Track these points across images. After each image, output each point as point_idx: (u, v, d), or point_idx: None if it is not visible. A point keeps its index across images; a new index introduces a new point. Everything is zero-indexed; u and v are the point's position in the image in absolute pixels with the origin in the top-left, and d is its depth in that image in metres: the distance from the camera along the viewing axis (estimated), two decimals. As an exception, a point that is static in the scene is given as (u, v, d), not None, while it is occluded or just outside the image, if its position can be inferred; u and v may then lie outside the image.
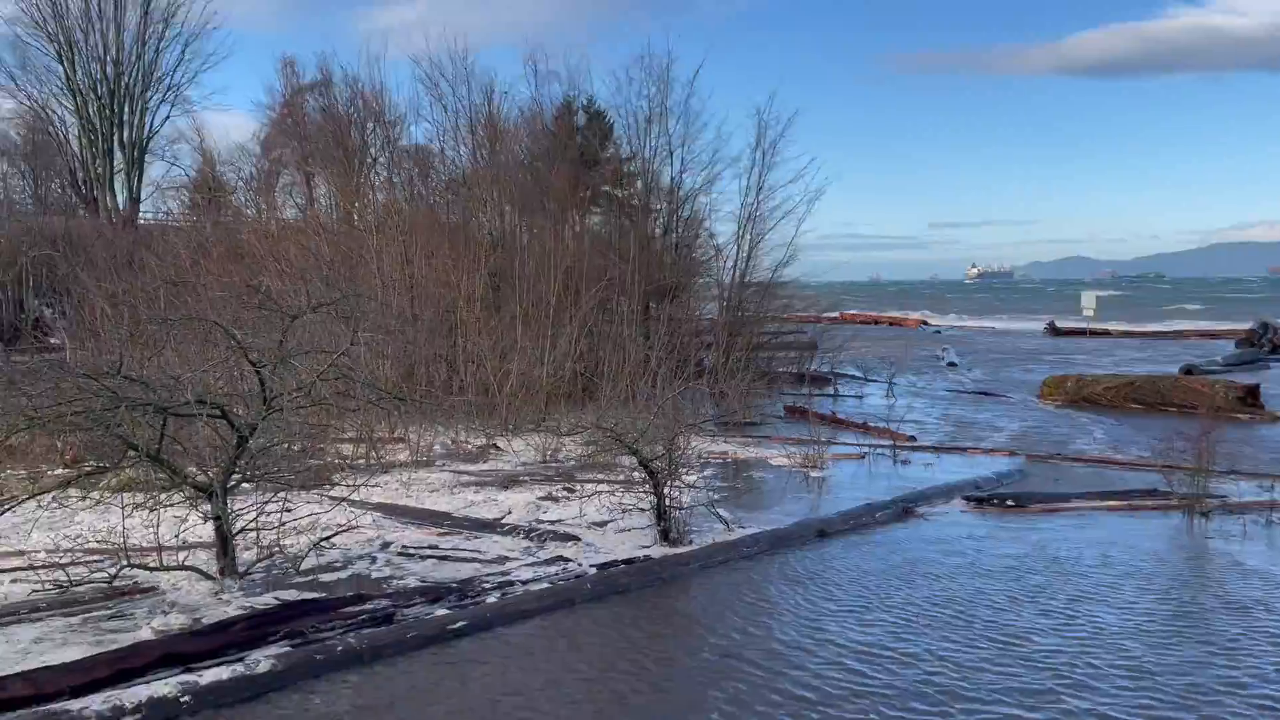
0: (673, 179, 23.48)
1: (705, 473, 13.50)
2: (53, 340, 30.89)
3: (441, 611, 7.13)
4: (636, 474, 10.27)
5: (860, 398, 23.98)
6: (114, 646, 6.23)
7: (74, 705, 5.35)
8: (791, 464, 14.49)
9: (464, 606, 7.26)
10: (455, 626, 6.93)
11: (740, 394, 19.00)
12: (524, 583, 7.84)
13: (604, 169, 26.22)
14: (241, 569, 8.26)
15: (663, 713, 5.72)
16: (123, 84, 40.79)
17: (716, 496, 11.76)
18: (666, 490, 9.94)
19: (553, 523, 10.21)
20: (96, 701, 5.40)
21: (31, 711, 5.24)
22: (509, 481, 12.81)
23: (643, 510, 10.17)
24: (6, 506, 8.23)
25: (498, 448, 15.35)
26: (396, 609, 7.07)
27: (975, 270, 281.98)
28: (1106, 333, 48.16)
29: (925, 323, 58.84)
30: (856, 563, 9.25)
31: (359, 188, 21.12)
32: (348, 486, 11.03)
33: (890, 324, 57.23)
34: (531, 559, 8.70)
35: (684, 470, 10.35)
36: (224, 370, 9.55)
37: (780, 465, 14.56)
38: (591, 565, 8.44)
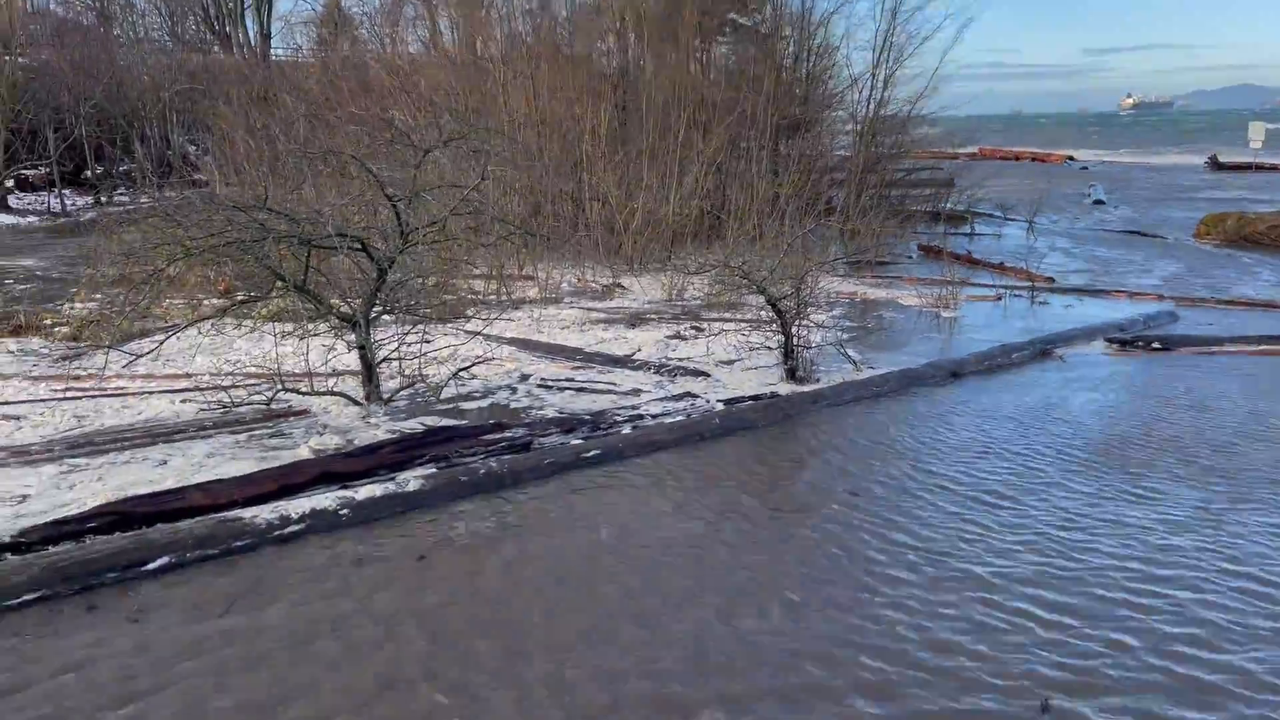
0: (804, 3, 22.19)
1: (834, 312, 13.31)
2: (199, 176, 32.18)
3: (575, 441, 7.36)
4: (764, 313, 10.18)
5: (998, 237, 23.01)
6: (277, 463, 6.68)
7: (246, 514, 5.80)
8: (923, 304, 14.14)
9: (596, 437, 7.46)
10: (588, 455, 7.14)
11: (872, 232, 18.46)
12: (654, 416, 7.99)
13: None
14: (385, 396, 8.67)
15: (781, 544, 5.82)
16: (247, -84, 40.76)
17: (845, 336, 11.62)
18: (794, 329, 9.84)
19: (681, 360, 10.29)
20: (265, 511, 5.83)
21: (209, 519, 5.70)
22: (636, 319, 12.91)
23: (770, 349, 10.13)
24: (171, 332, 8.76)
25: (623, 286, 15.43)
26: (533, 437, 7.33)
27: (1130, 101, 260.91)
28: (1275, 168, 44.32)
29: (1071, 158, 55.19)
30: (989, 404, 9.06)
31: (484, 19, 20.71)
32: (482, 320, 11.33)
33: (1033, 160, 53.93)
34: (662, 394, 8.84)
35: (812, 309, 10.21)
36: (361, 204, 9.74)
37: (912, 306, 14.23)
38: (719, 401, 8.52)
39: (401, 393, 8.78)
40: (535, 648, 4.54)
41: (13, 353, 10.57)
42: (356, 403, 8.50)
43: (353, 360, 9.01)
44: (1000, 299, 14.91)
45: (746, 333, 10.71)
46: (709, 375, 9.58)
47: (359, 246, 8.42)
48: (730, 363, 10.23)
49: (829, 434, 8.12)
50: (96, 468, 6.64)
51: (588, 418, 7.85)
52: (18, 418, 7.86)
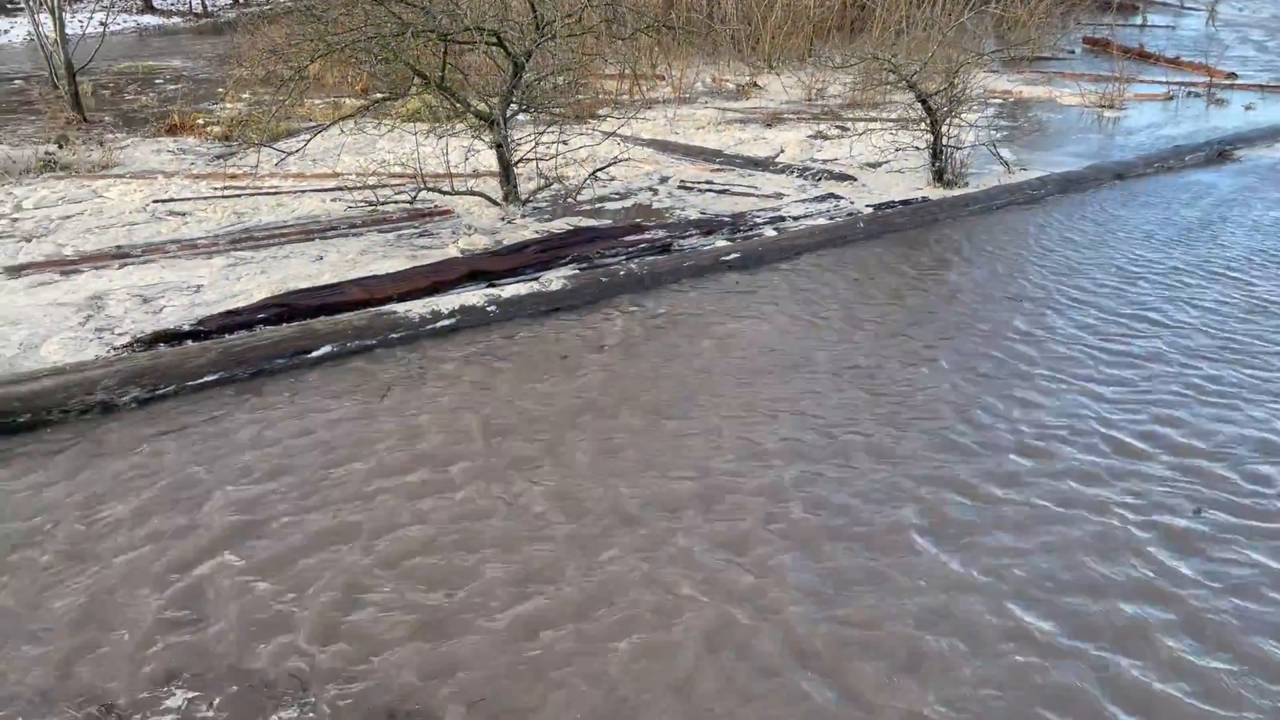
0: None
1: (986, 111, 12.52)
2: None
3: (716, 243, 7.28)
4: (911, 112, 9.64)
5: (1173, 28, 20.91)
6: (427, 261, 6.86)
7: (399, 309, 6.01)
8: (1086, 103, 13.14)
9: (737, 239, 7.36)
10: (729, 258, 7.07)
11: (1031, 24, 17.02)
12: (796, 219, 7.80)
13: None
14: (523, 197, 8.71)
15: (928, 351, 5.71)
16: None
17: (998, 136, 10.95)
18: (945, 129, 9.31)
19: (824, 161, 9.93)
20: (418, 306, 6.04)
21: (366, 312, 5.95)
22: (773, 119, 12.45)
23: (918, 150, 9.65)
24: (316, 131, 8.91)
25: (759, 85, 14.81)
26: (673, 239, 7.28)
27: None
28: None
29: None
30: (1155, 210, 8.49)
31: None
32: (616, 120, 11.11)
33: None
34: (805, 196, 8.59)
35: (964, 108, 9.60)
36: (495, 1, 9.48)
37: (1072, 105, 13.24)
38: (866, 204, 8.23)
39: (539, 193, 8.79)
40: (673, 438, 4.65)
41: (172, 151, 11.00)
42: (495, 203, 8.57)
43: (491, 160, 9.02)
44: (1172, 98, 13.70)
45: (894, 132, 10.20)
46: (854, 179, 9.22)
47: (495, 40, 8.25)
48: (875, 165, 9.81)
49: (980, 239, 7.78)
50: (259, 261, 6.96)
51: (728, 220, 7.72)
52: (184, 214, 8.25)
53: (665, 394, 5.13)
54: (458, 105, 8.50)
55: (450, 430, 4.77)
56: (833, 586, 3.61)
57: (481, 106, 8.58)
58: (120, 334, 5.69)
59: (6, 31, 22.75)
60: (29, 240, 7.53)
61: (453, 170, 9.23)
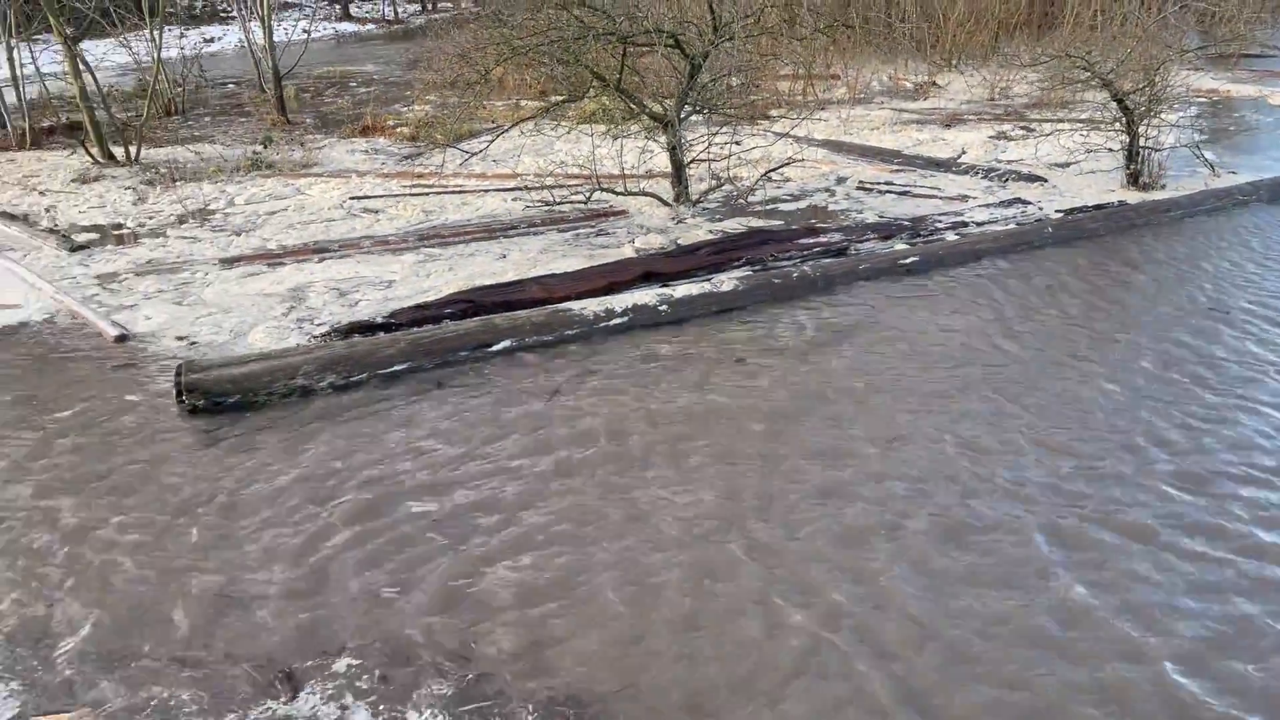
0: None
1: (1188, 112, 11.73)
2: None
3: (894, 247, 7.11)
4: (1103, 112, 9.13)
5: None
6: (603, 261, 7.00)
7: (575, 306, 6.16)
8: (1304, 103, 12.11)
9: (916, 243, 7.16)
10: (906, 262, 6.89)
11: (1240, 19, 15.82)
12: (979, 224, 7.52)
13: None
14: (694, 197, 8.75)
15: (1123, 364, 5.38)
16: None
17: (1200, 138, 10.23)
18: (1142, 129, 8.78)
19: (1010, 163, 9.54)
20: (593, 304, 6.17)
21: (544, 309, 6.12)
22: (953, 119, 12.05)
23: (1111, 151, 9.14)
24: (497, 133, 9.23)
25: (938, 84, 14.37)
26: (849, 242, 7.16)
27: None
28: None
29: None
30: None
31: None
32: (789, 121, 11.01)
33: None
34: (990, 199, 8.27)
35: (1164, 107, 9.02)
36: (673, 3, 9.59)
37: (1289, 104, 12.24)
38: (1055, 209, 7.85)
39: (711, 194, 8.81)
40: (845, 445, 4.57)
41: (365, 151, 11.64)
42: (666, 203, 8.65)
43: (664, 161, 9.11)
44: None
45: (1085, 133, 9.69)
46: (1043, 180, 8.82)
47: (673, 43, 8.33)
48: (1065, 165, 9.35)
49: (1180, 248, 7.29)
50: (447, 258, 7.28)
51: (907, 223, 7.53)
52: (377, 211, 8.71)
53: (837, 399, 5.05)
54: (634, 107, 8.63)
55: (618, 429, 4.84)
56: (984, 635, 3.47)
57: (656, 108, 8.68)
58: (319, 324, 6.07)
59: (220, 38, 24.63)
60: (239, 234, 8.14)
61: (626, 171, 9.37)
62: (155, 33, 13.59)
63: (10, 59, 12.93)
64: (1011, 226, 7.45)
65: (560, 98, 9.28)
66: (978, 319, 6.07)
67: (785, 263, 6.88)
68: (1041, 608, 3.47)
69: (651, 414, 4.96)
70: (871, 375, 5.34)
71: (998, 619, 3.42)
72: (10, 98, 13.18)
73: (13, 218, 8.88)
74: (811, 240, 7.18)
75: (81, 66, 11.31)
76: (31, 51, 13.97)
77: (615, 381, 5.37)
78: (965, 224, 7.50)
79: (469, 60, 8.59)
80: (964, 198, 8.42)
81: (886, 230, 7.38)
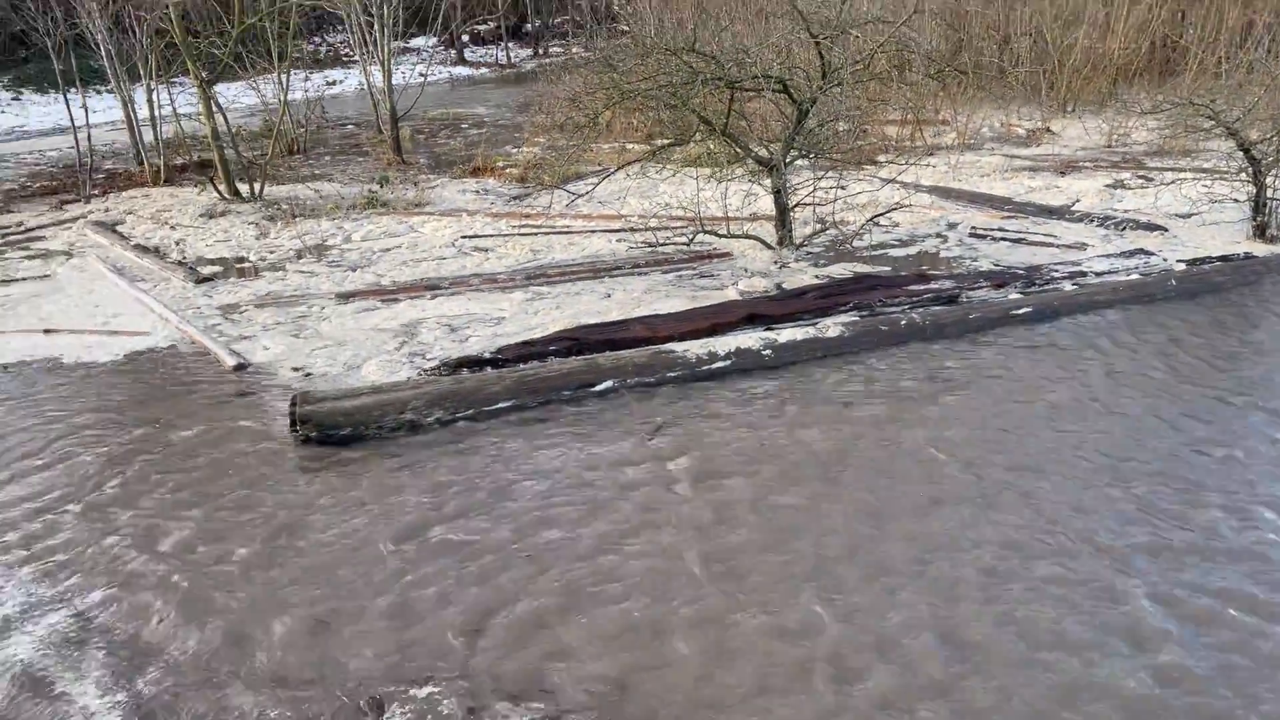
0: None
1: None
2: (622, 28, 33.53)
3: (1008, 296, 6.92)
4: (1228, 162, 8.78)
5: None
6: (707, 303, 7.00)
7: (678, 348, 6.15)
8: None
9: (1031, 293, 6.96)
10: (1019, 313, 6.69)
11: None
12: (1099, 274, 7.26)
13: None
14: (798, 241, 8.70)
15: (1236, 428, 5.10)
16: None
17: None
18: (1269, 180, 8.39)
19: (1127, 212, 9.22)
20: (696, 346, 6.15)
21: (647, 350, 6.13)
22: (1067, 167, 11.74)
23: (1237, 202, 8.75)
24: (604, 175, 9.34)
25: (1051, 131, 14.03)
26: (961, 290, 6.99)
27: None
28: None
29: None
30: None
31: None
32: (896, 166, 10.88)
33: None
34: (1109, 249, 8.00)
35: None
36: (780, 45, 9.61)
37: None
38: (1178, 259, 7.54)
39: (815, 238, 8.75)
40: (944, 499, 4.42)
41: (475, 191, 11.94)
42: (769, 246, 8.62)
43: (767, 204, 9.08)
44: None
45: (1207, 183, 9.32)
46: (1164, 229, 8.49)
47: (780, 87, 8.33)
48: (1186, 216, 8.99)
49: (1316, 304, 6.91)
50: (554, 297, 7.37)
51: (1021, 272, 7.32)
52: (486, 250, 8.91)
53: (940, 452, 4.91)
54: (739, 150, 8.65)
55: (715, 472, 4.79)
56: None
57: (762, 152, 8.69)
58: (430, 358, 6.20)
59: (341, 81, 25.70)
60: (354, 270, 8.41)
61: (729, 214, 9.38)
62: (282, 76, 14.27)
63: (150, 100, 13.73)
64: (1133, 277, 7.18)
65: (665, 141, 9.36)
66: (1090, 374, 5.84)
67: (893, 309, 6.76)
68: (1142, 673, 3.28)
69: (751, 459, 4.90)
70: (976, 429, 5.18)
71: (1089, 685, 3.24)
72: (148, 136, 13.99)
73: (146, 249, 9.36)
74: (922, 287, 7.04)
75: (214, 108, 11.91)
76: (170, 93, 14.80)
77: (716, 424, 5.33)
78: (1084, 274, 7.26)
79: (579, 104, 8.75)
80: (1081, 246, 8.16)
81: (1000, 279, 7.19)
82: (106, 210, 11.70)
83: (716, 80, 8.11)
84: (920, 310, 6.67)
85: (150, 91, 13.79)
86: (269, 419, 5.53)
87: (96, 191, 12.78)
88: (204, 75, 11.95)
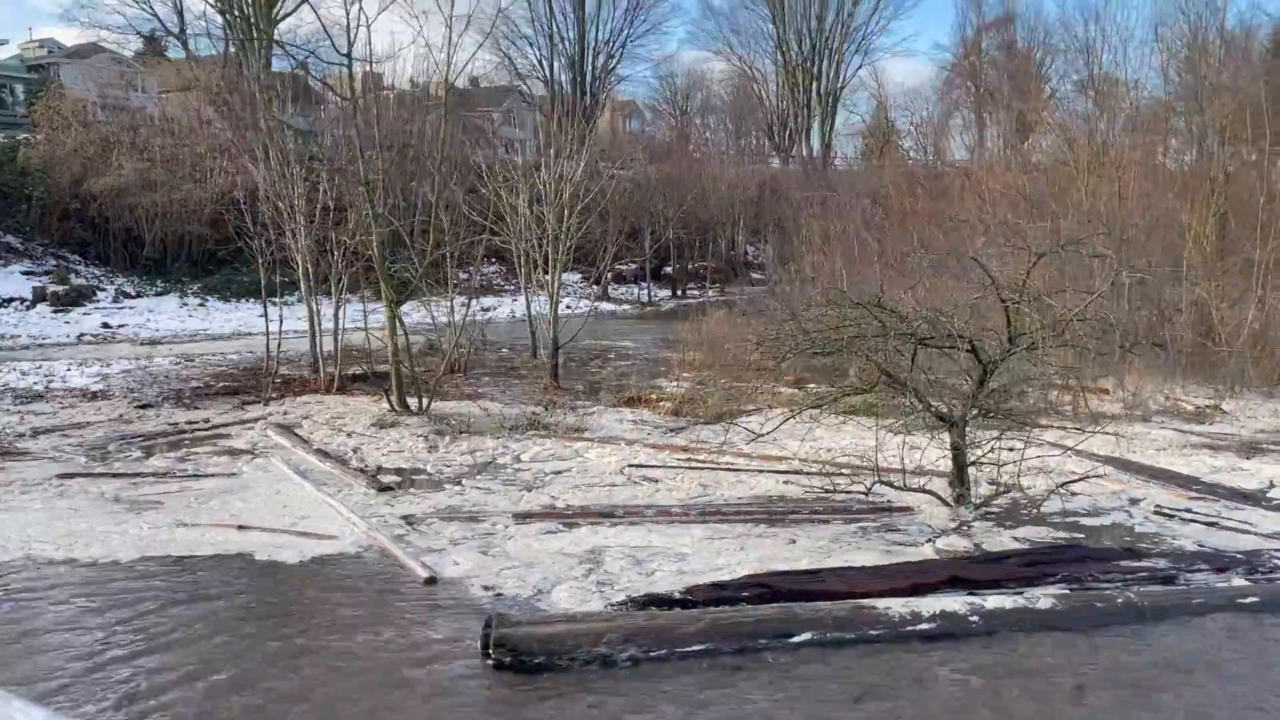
0: None
1: None
2: (753, 275, 35.00)
3: (1234, 582, 6.43)
4: None
5: None
6: (900, 559, 6.73)
7: (879, 604, 5.85)
8: None
9: (1256, 580, 6.46)
10: (1246, 600, 6.19)
11: None
12: (1330, 567, 6.73)
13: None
14: (976, 501, 8.40)
15: None
16: (824, 37, 44.55)
17: None
18: None
19: (1334, 502, 8.66)
20: (898, 605, 5.84)
21: (846, 603, 5.85)
22: (1250, 449, 11.22)
23: None
24: (787, 418, 9.25)
25: (1223, 409, 13.57)
26: (1178, 571, 6.55)
27: None
28: None
29: None
30: None
31: (1064, 123, 20.05)
32: (1078, 432, 10.58)
33: None
34: (1326, 541, 7.45)
35: None
36: (959, 305, 9.72)
37: None
38: None
39: (995, 499, 8.44)
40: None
41: (631, 421, 12.12)
42: (946, 503, 8.34)
43: (932, 457, 8.83)
44: None
45: None
46: (1382, 527, 7.90)
47: (969, 347, 8.35)
48: (1405, 514, 8.36)
49: None
50: (735, 537, 7.22)
51: (1241, 557, 6.85)
52: (655, 480, 8.90)
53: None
54: (921, 403, 8.58)
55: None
56: None
57: (941, 407, 8.59)
58: (618, 589, 6.06)
59: (494, 309, 27.19)
60: (529, 489, 8.48)
61: (905, 466, 9.18)
62: (453, 300, 15.20)
63: (336, 314, 14.71)
64: (1368, 575, 6.62)
65: (844, 389, 9.38)
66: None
67: (1105, 585, 6.34)
68: None
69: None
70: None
71: None
72: (325, 346, 14.88)
73: (327, 455, 9.69)
74: (1134, 564, 6.63)
75: (399, 327, 12.65)
76: (364, 308, 15.81)
77: (925, 695, 4.95)
78: (1313, 565, 6.74)
79: (763, 346, 8.91)
80: (1284, 536, 7.64)
81: (1219, 562, 6.73)
82: (285, 413, 12.30)
83: (907, 335, 8.19)
84: (1137, 588, 6.24)
85: (337, 306, 14.79)
86: (460, 637, 5.41)
87: (274, 395, 13.50)
88: (394, 297, 12.78)
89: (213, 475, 8.87)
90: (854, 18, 45.76)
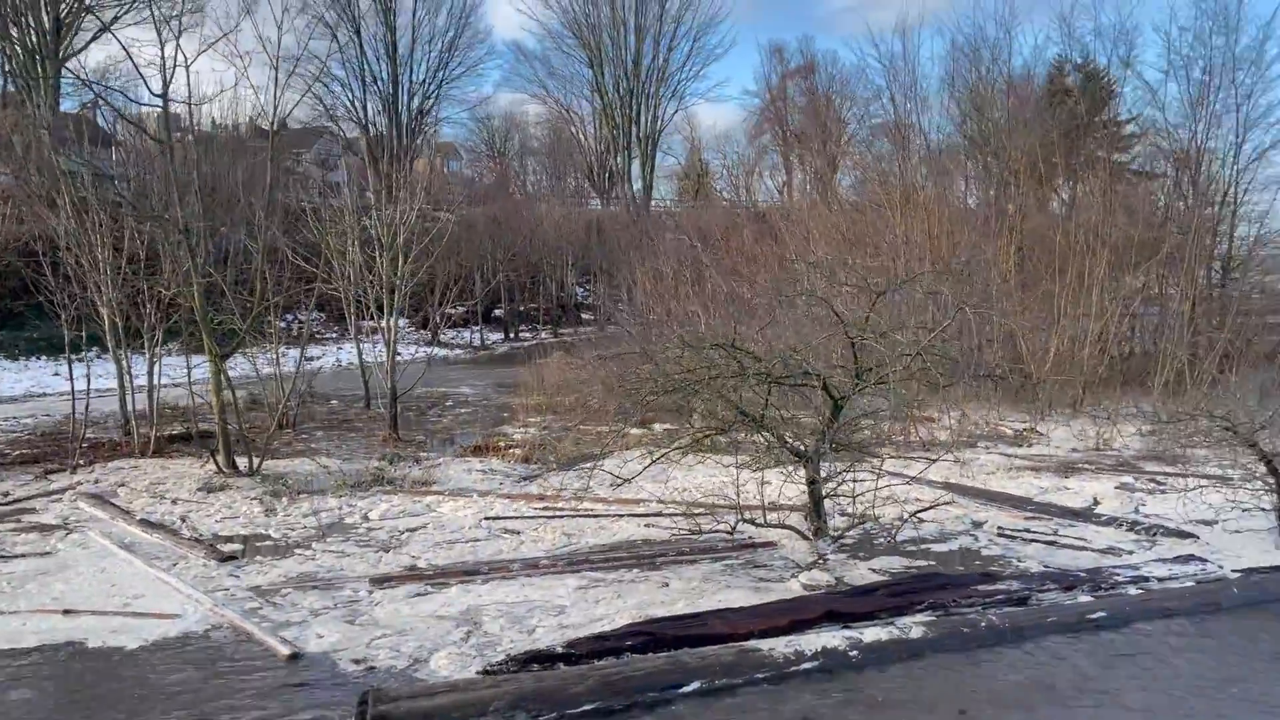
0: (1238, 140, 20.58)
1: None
2: (584, 316, 35.15)
3: (1080, 599, 6.81)
4: (1237, 468, 9.10)
5: None
6: (770, 595, 6.77)
7: (762, 645, 5.86)
8: None
9: (1101, 597, 6.87)
10: (1094, 617, 6.57)
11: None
12: (1160, 579, 7.24)
13: (1105, 131, 24.41)
14: (833, 533, 8.61)
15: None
16: (639, 83, 45.67)
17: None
18: (1287, 490, 8.68)
19: (1149, 515, 9.38)
20: (780, 645, 5.86)
21: (732, 647, 5.82)
22: (1068, 468, 12.06)
23: (1264, 510, 8.98)
24: (652, 460, 9.22)
25: (1038, 432, 14.58)
26: (1030, 592, 6.89)
27: None
28: None
29: None
30: None
31: (874, 165, 21.23)
32: (925, 461, 11.06)
33: None
34: (1153, 555, 8.03)
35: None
36: (807, 344, 10.01)
37: None
38: (1231, 568, 7.58)
39: (850, 530, 8.68)
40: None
41: (481, 471, 11.78)
42: (805, 537, 8.51)
43: (789, 492, 9.01)
44: None
45: (1218, 489, 9.61)
46: (1194, 537, 8.60)
47: (820, 384, 8.58)
48: (1210, 523, 9.15)
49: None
50: (609, 584, 7.07)
51: (1083, 574, 7.28)
52: (517, 532, 8.64)
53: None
54: (776, 442, 8.74)
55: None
56: None
57: (797, 444, 8.78)
58: (500, 650, 5.80)
59: (318, 358, 26.04)
60: (386, 550, 8.04)
61: (764, 502, 9.32)
62: (277, 351, 14.43)
63: (150, 371, 13.65)
64: (1191, 584, 7.17)
65: (702, 430, 9.41)
66: (1170, 680, 5.67)
67: (967, 609, 6.59)
68: None
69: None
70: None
71: None
72: (140, 405, 13.74)
73: (153, 525, 8.90)
74: (990, 587, 6.93)
75: (225, 382, 11.85)
76: (188, 363, 14.73)
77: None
78: (1145, 579, 7.23)
79: (623, 389, 8.87)
80: (1115, 550, 8.20)
81: (1067, 581, 7.12)
82: (96, 481, 11.26)
83: (762, 375, 8.34)
84: (996, 611, 6.52)
85: (152, 362, 13.74)
86: (332, 718, 5.01)
87: (82, 461, 12.34)
88: (218, 350, 11.97)
89: (23, 555, 7.95)
90: (669, 63, 47.26)
